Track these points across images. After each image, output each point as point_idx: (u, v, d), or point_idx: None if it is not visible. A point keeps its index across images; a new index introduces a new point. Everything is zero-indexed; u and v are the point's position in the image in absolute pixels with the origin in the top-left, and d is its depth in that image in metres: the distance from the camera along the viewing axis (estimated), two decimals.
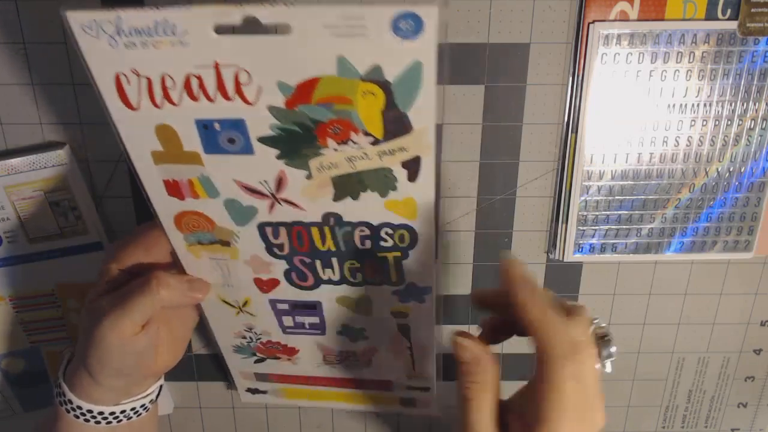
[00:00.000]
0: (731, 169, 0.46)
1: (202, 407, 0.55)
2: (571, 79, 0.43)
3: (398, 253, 0.39)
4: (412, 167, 0.34)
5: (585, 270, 0.50)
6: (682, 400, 0.53)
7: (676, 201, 0.47)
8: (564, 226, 0.47)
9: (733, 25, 0.42)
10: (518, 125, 0.44)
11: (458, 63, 0.42)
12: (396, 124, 0.32)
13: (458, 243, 0.48)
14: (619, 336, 0.52)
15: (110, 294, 0.38)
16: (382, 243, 0.39)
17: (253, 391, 0.53)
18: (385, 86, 0.30)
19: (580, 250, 0.48)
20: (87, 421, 0.40)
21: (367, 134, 0.33)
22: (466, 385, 0.34)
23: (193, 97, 0.31)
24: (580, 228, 0.47)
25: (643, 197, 0.47)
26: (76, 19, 0.28)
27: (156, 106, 0.32)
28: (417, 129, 0.32)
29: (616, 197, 0.46)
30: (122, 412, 0.41)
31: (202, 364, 0.53)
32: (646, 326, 0.53)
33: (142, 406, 0.42)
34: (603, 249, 0.48)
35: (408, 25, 0.28)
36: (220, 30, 0.29)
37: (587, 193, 0.46)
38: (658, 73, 0.43)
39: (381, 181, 0.35)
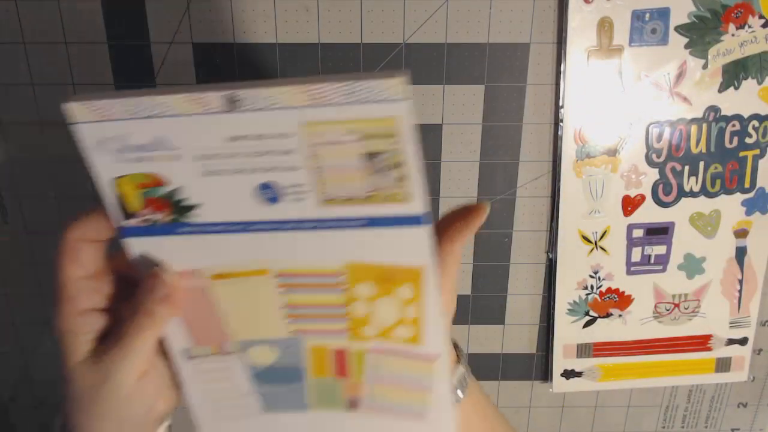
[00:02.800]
0: None
1: None
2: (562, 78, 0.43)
3: (757, 151, 0.44)
4: None
5: None
6: (682, 400, 0.54)
7: None
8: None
9: None
10: (518, 125, 0.44)
11: (458, 63, 0.42)
12: None
13: None
14: None
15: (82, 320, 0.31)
16: (747, 139, 0.44)
17: (569, 374, 0.50)
18: None
19: None
20: None
21: (761, 17, 0.41)
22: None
23: None
24: None
25: None
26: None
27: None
28: None
29: None
30: None
31: None
32: None
33: None
34: None
35: None
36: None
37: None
38: None
39: (759, 66, 0.42)
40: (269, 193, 0.29)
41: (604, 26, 0.40)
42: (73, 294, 0.30)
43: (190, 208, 0.30)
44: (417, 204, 0.28)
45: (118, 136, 0.28)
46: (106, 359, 0.29)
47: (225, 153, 0.28)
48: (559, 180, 0.44)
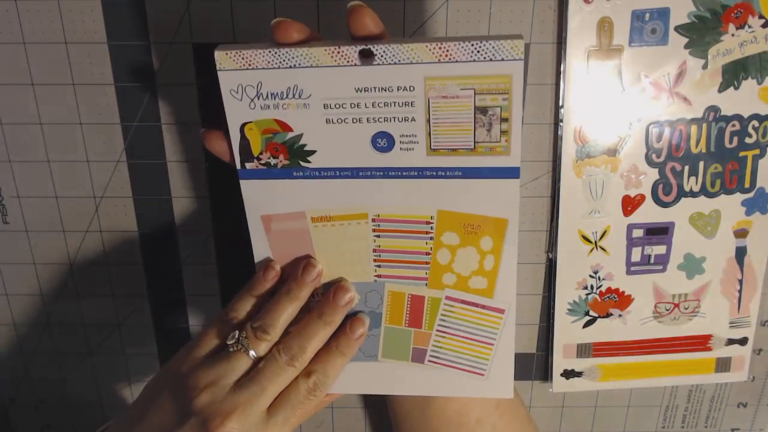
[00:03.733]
0: None
1: None
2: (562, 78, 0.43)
3: (757, 151, 0.44)
4: None
5: None
6: (682, 400, 0.54)
7: None
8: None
9: None
10: None
11: None
12: None
13: None
14: None
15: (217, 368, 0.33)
16: (747, 139, 0.44)
17: (569, 374, 0.50)
18: None
19: None
20: None
21: (761, 17, 0.41)
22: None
23: None
24: None
25: None
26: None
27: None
28: None
29: None
30: None
31: None
32: None
33: None
34: None
35: None
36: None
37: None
38: None
39: (759, 66, 0.42)
40: (384, 142, 0.32)
41: (604, 26, 0.40)
42: None
43: (308, 153, 0.32)
44: (514, 158, 0.31)
45: (257, 84, 0.31)
46: None
47: (351, 103, 0.31)
48: (559, 180, 0.44)
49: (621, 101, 0.42)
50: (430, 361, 0.37)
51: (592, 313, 0.48)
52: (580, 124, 0.42)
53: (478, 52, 0.29)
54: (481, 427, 0.40)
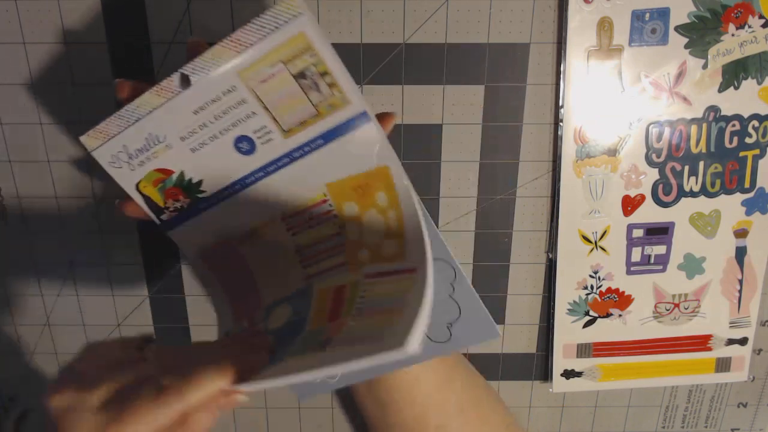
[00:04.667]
0: None
1: None
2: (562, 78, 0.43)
3: (756, 151, 0.44)
4: None
5: None
6: (682, 400, 0.54)
7: None
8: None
9: None
10: (518, 125, 0.44)
11: (458, 63, 0.42)
12: None
13: (458, 243, 0.47)
14: None
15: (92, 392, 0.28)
16: (747, 139, 0.44)
17: (569, 374, 0.50)
18: None
19: None
20: None
21: (761, 17, 0.41)
22: None
23: None
24: None
25: None
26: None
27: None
28: None
29: None
30: None
31: None
32: None
33: None
34: None
35: None
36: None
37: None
38: None
39: (759, 65, 0.42)
40: (245, 145, 0.33)
41: (604, 26, 0.40)
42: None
43: (197, 185, 0.34)
44: (356, 104, 0.31)
45: (123, 147, 0.33)
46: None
47: (198, 125, 0.32)
48: (559, 180, 0.44)
49: (621, 101, 0.42)
50: (333, 346, 0.34)
51: (592, 313, 0.48)
52: (580, 124, 0.42)
53: (263, 27, 0.29)
54: None
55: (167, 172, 0.34)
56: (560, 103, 0.42)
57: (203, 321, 0.49)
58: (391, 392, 0.40)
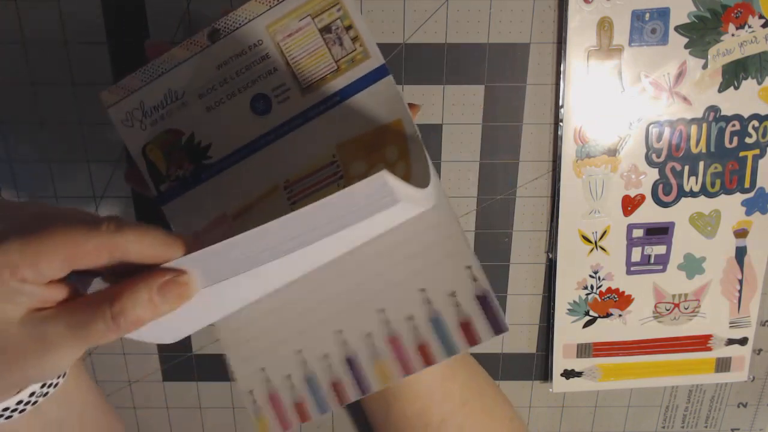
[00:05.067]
0: None
1: (202, 407, 0.52)
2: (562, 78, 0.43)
3: (757, 151, 0.44)
4: None
5: None
6: (682, 400, 0.54)
7: None
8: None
9: None
10: (518, 125, 0.44)
11: (458, 63, 0.42)
12: None
13: None
14: None
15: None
16: (747, 139, 0.44)
17: (569, 374, 0.50)
18: None
19: None
20: None
21: (761, 17, 0.41)
22: None
23: None
24: None
25: None
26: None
27: None
28: None
29: None
30: None
31: (202, 364, 0.51)
32: None
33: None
34: None
35: None
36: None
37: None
38: None
39: (759, 66, 0.42)
40: (261, 104, 0.33)
41: (604, 26, 0.40)
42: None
43: (204, 150, 0.34)
44: (376, 58, 0.32)
45: (140, 103, 0.33)
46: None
47: (219, 81, 0.33)
48: (559, 180, 0.44)
49: (621, 101, 0.42)
50: None
51: (592, 313, 0.48)
52: (580, 124, 0.42)
53: None
54: (446, 427, 0.40)
55: (178, 134, 0.34)
56: (560, 103, 0.42)
57: None
58: (394, 387, 0.40)
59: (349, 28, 0.32)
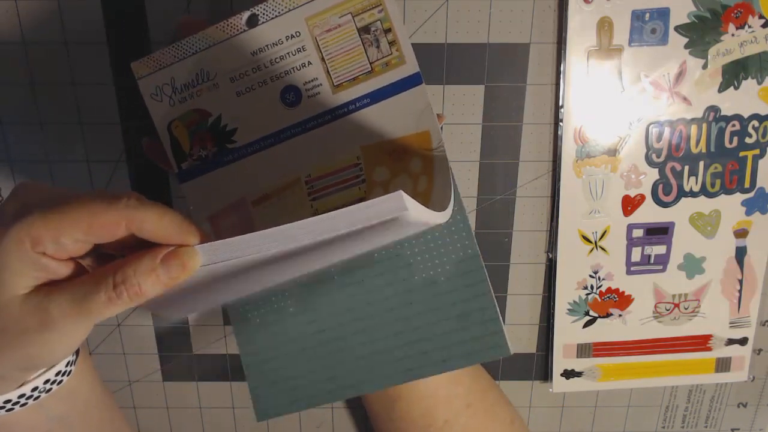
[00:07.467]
0: None
1: (202, 407, 0.52)
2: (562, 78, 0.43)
3: (756, 151, 0.44)
4: None
5: None
6: (682, 400, 0.54)
7: None
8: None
9: None
10: (518, 125, 0.44)
11: (458, 63, 0.42)
12: None
13: None
14: None
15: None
16: (747, 139, 0.44)
17: (569, 374, 0.50)
18: None
19: None
20: None
21: (761, 17, 0.41)
22: None
23: None
24: None
25: None
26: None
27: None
28: None
29: None
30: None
31: (202, 364, 0.51)
32: None
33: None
34: None
35: None
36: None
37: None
38: None
39: (759, 66, 0.42)
40: (292, 95, 0.33)
41: (604, 26, 0.40)
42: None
43: (230, 133, 0.34)
44: (411, 65, 0.32)
45: (171, 79, 0.33)
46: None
47: (252, 68, 0.32)
48: (559, 180, 0.44)
49: (621, 101, 0.42)
50: None
51: (592, 313, 0.48)
52: (580, 124, 0.42)
53: None
54: (449, 428, 0.40)
55: (205, 114, 0.33)
56: (560, 103, 0.42)
57: (203, 320, 0.49)
58: (399, 387, 0.40)
59: (388, 31, 0.32)
